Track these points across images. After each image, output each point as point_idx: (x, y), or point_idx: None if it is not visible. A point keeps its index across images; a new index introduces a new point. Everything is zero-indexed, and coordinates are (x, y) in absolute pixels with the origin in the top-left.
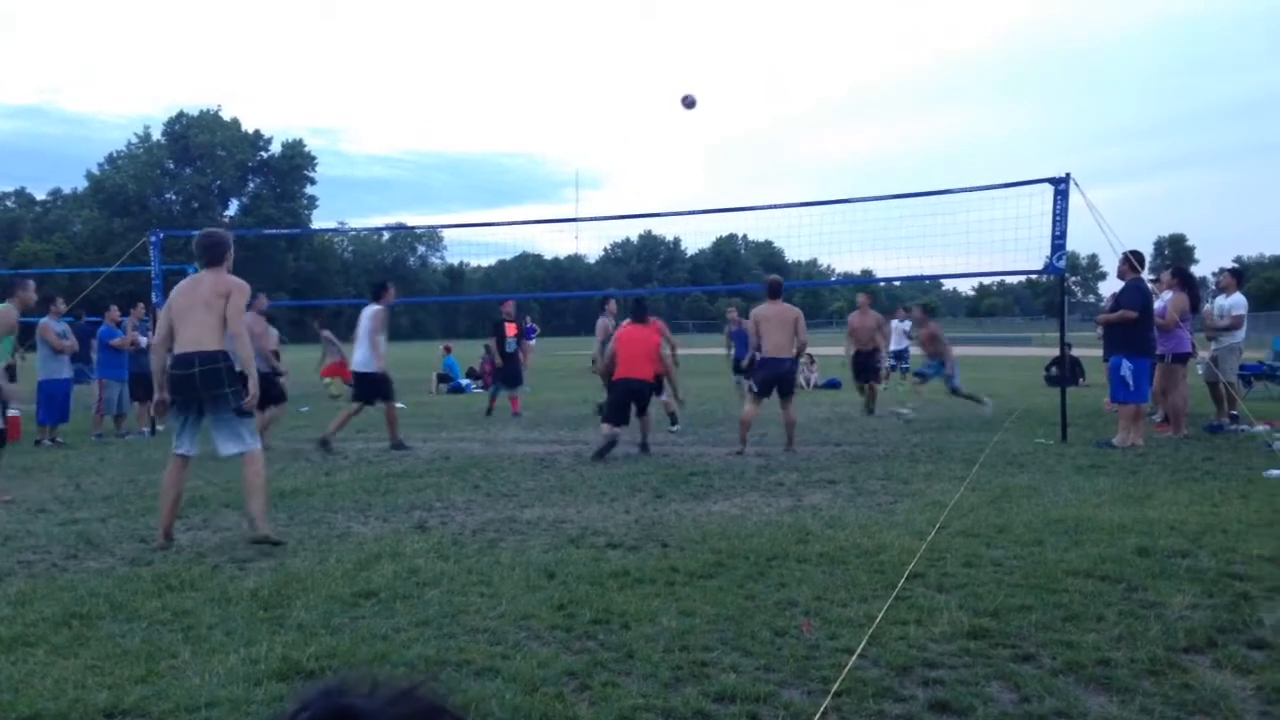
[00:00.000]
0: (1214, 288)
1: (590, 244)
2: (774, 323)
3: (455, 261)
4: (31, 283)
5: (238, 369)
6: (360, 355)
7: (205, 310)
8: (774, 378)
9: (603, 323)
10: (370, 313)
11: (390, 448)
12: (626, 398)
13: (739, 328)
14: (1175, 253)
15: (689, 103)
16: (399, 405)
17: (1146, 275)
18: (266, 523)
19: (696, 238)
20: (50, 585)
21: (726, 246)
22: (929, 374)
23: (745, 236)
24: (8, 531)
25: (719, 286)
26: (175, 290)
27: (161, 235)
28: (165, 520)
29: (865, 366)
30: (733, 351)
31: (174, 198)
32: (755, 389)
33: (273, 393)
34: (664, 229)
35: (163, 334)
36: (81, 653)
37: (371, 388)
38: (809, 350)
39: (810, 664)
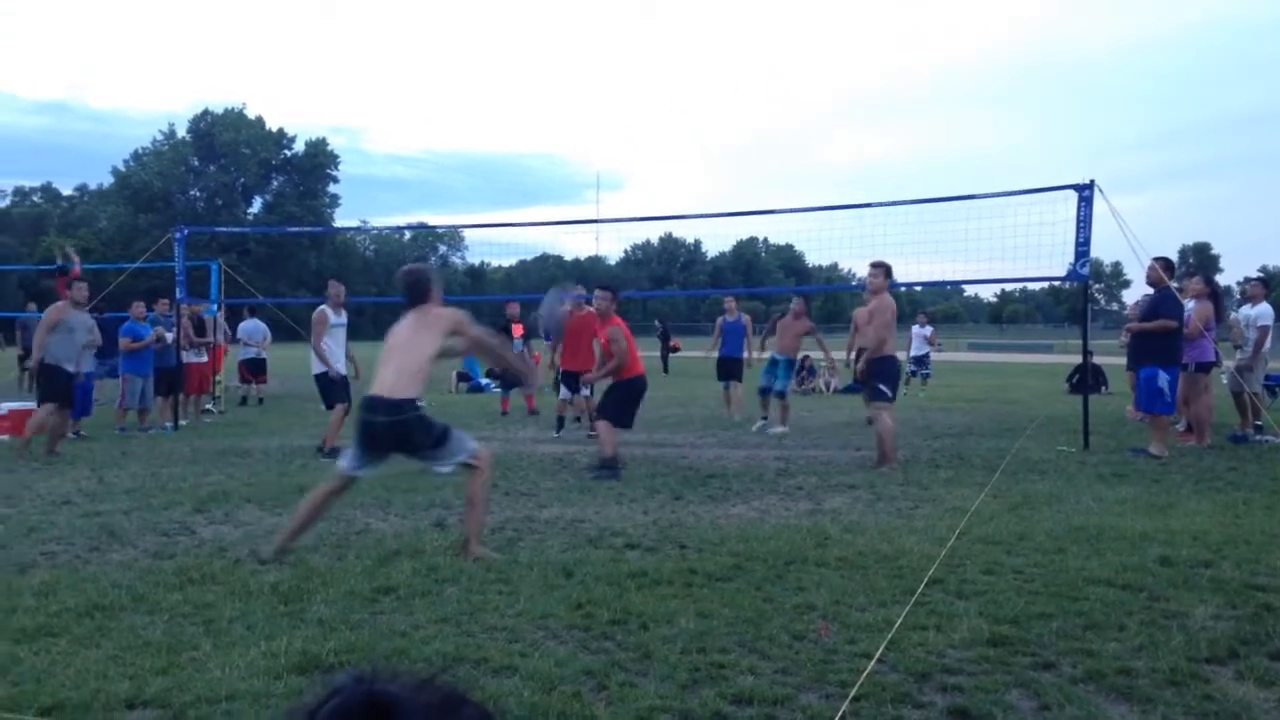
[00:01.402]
0: (1240, 297)
1: (611, 245)
2: (894, 314)
3: (476, 261)
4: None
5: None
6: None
7: (407, 354)
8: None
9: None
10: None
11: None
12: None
13: (737, 320)
14: (1200, 261)
15: None
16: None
17: (1173, 283)
18: (480, 541)
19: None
20: (73, 577)
21: (747, 249)
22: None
23: (766, 240)
24: (32, 523)
25: (739, 289)
26: (390, 334)
27: (186, 231)
28: (297, 526)
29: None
30: (718, 351)
31: (198, 194)
32: (890, 394)
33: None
34: (684, 231)
35: None
36: (103, 644)
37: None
38: (831, 355)
39: (828, 668)
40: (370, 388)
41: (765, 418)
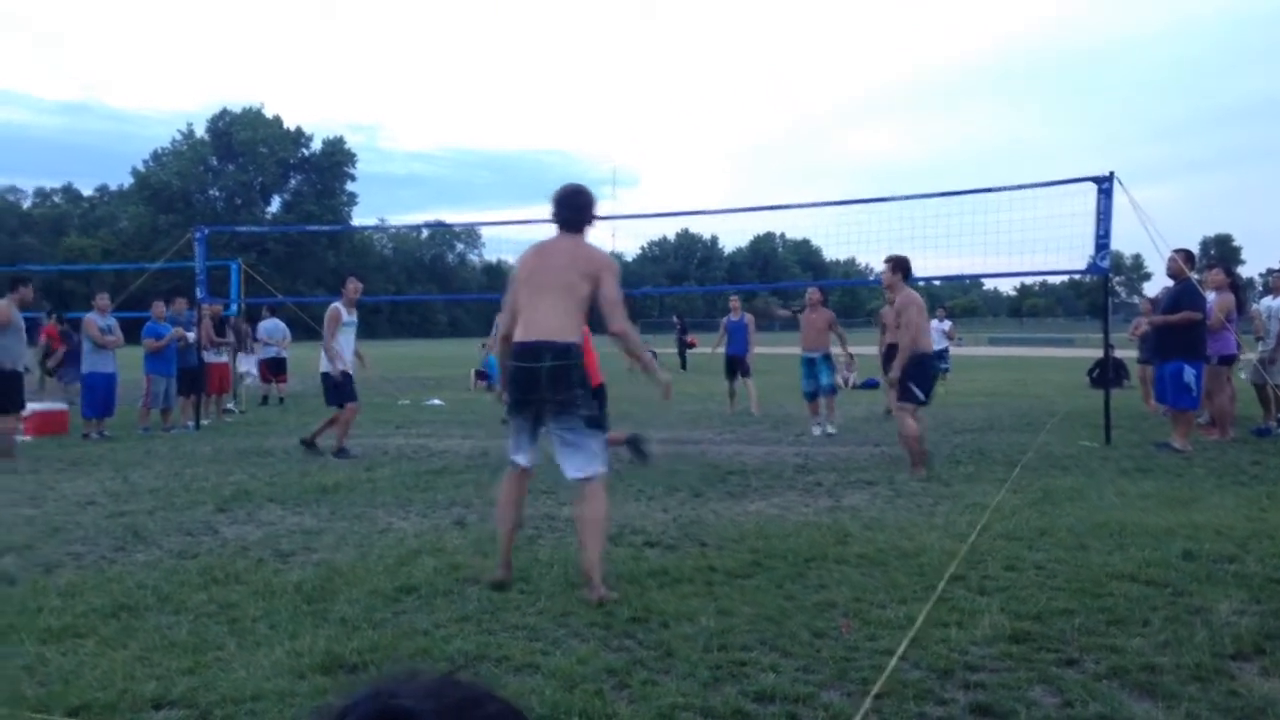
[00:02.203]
0: (1262, 289)
1: (628, 242)
2: (924, 312)
3: (494, 259)
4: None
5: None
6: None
7: (566, 293)
8: (932, 377)
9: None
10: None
11: (334, 452)
12: None
13: (740, 319)
14: (1221, 253)
15: None
16: (436, 402)
17: (1194, 275)
18: (600, 579)
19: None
20: (99, 577)
21: (764, 245)
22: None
23: (783, 235)
24: (57, 524)
25: (756, 285)
26: (525, 260)
27: (206, 231)
28: (504, 547)
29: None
30: (724, 348)
31: (217, 194)
32: (924, 396)
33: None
34: (701, 227)
35: (509, 321)
36: (130, 644)
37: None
38: (849, 349)
39: (850, 665)
40: (521, 334)
41: (819, 422)
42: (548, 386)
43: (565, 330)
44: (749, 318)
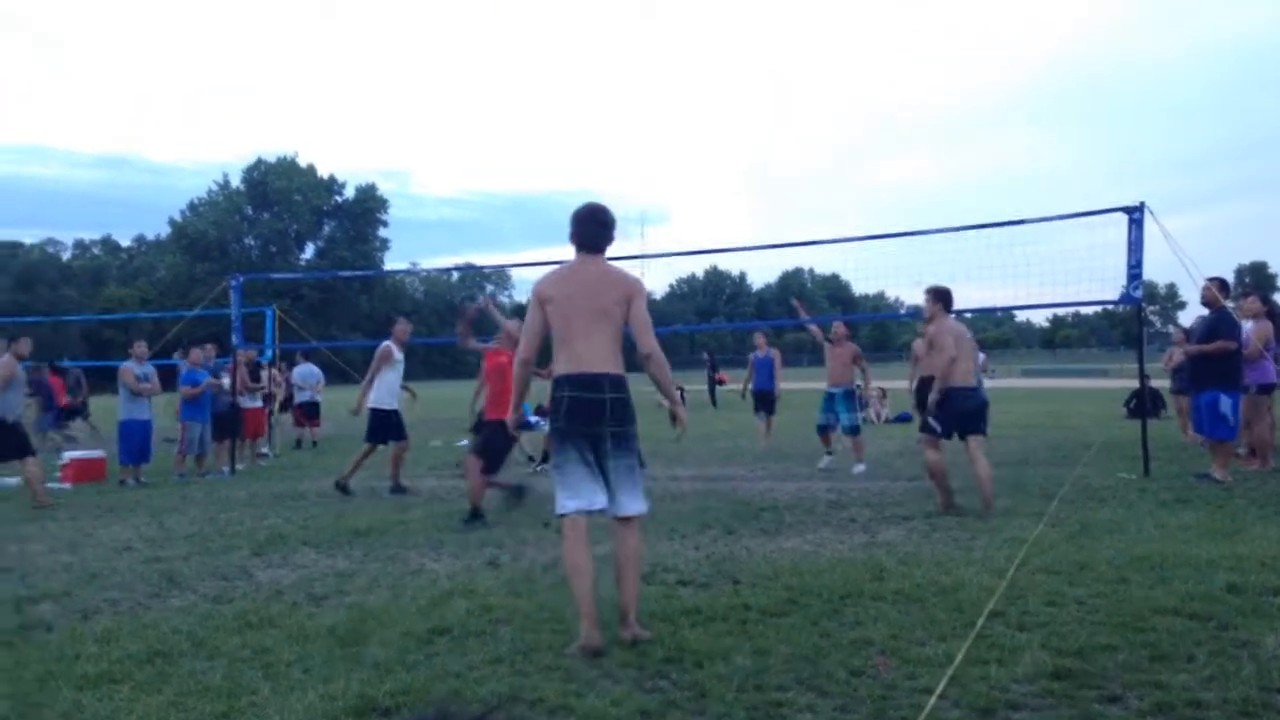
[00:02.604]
0: None
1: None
2: (965, 343)
3: (523, 299)
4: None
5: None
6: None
7: (608, 322)
8: (963, 413)
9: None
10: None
11: (391, 490)
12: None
13: (766, 355)
14: (1257, 280)
15: None
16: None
17: (1228, 303)
18: (635, 617)
19: (762, 273)
20: (134, 623)
21: (793, 280)
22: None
23: (811, 270)
24: (94, 570)
25: (785, 321)
26: (554, 283)
27: (241, 279)
28: (589, 607)
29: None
30: (751, 385)
31: (253, 243)
32: (940, 429)
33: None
34: (730, 264)
35: (535, 342)
36: (164, 689)
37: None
38: (877, 384)
39: (888, 704)
40: (575, 364)
41: (830, 453)
42: (612, 418)
43: (618, 362)
44: (775, 353)
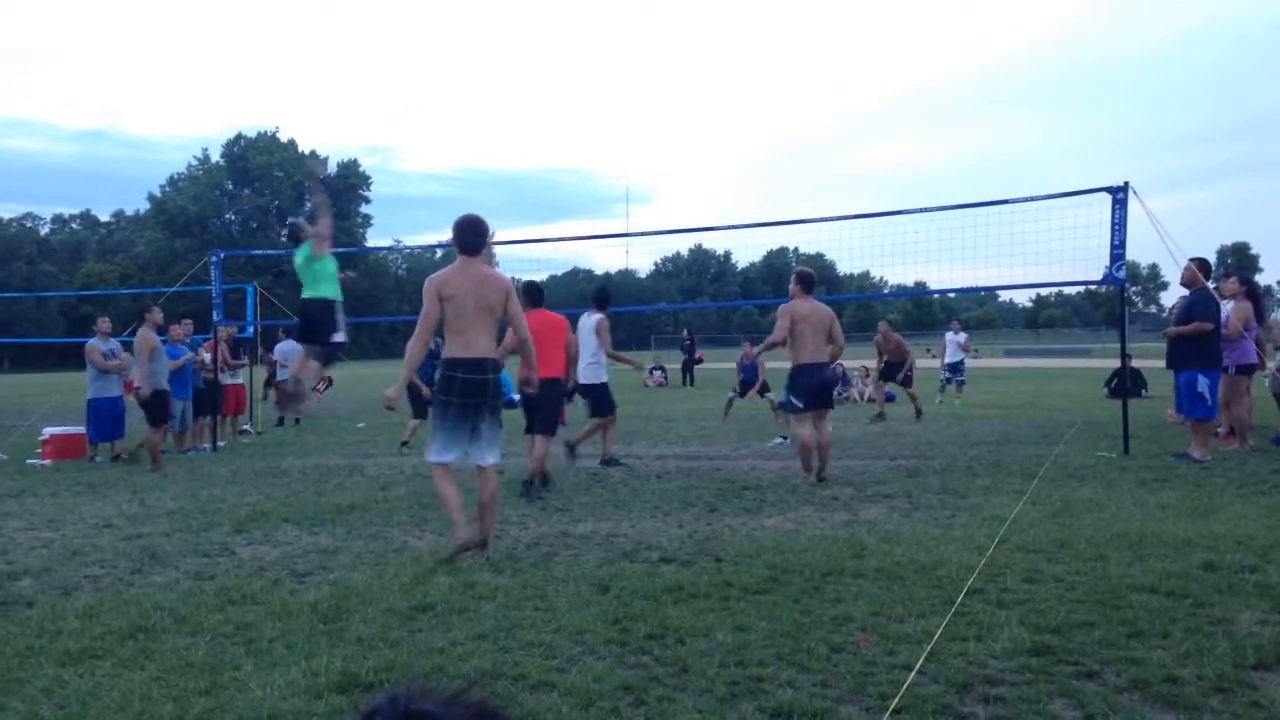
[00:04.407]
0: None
1: (641, 258)
2: (810, 323)
3: (508, 277)
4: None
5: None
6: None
7: (490, 315)
8: (817, 386)
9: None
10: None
11: (601, 462)
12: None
13: (751, 361)
14: (1239, 261)
15: None
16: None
17: (1209, 284)
18: (489, 543)
19: (747, 251)
20: (116, 599)
21: (777, 260)
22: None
23: (796, 249)
24: (75, 547)
25: (770, 300)
26: (449, 282)
27: (222, 255)
28: (459, 514)
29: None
30: (737, 384)
31: (233, 218)
32: (800, 404)
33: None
34: (714, 243)
35: (431, 326)
36: (147, 665)
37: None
38: (863, 363)
39: (868, 680)
40: (466, 350)
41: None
42: (492, 394)
43: (495, 348)
44: (761, 360)
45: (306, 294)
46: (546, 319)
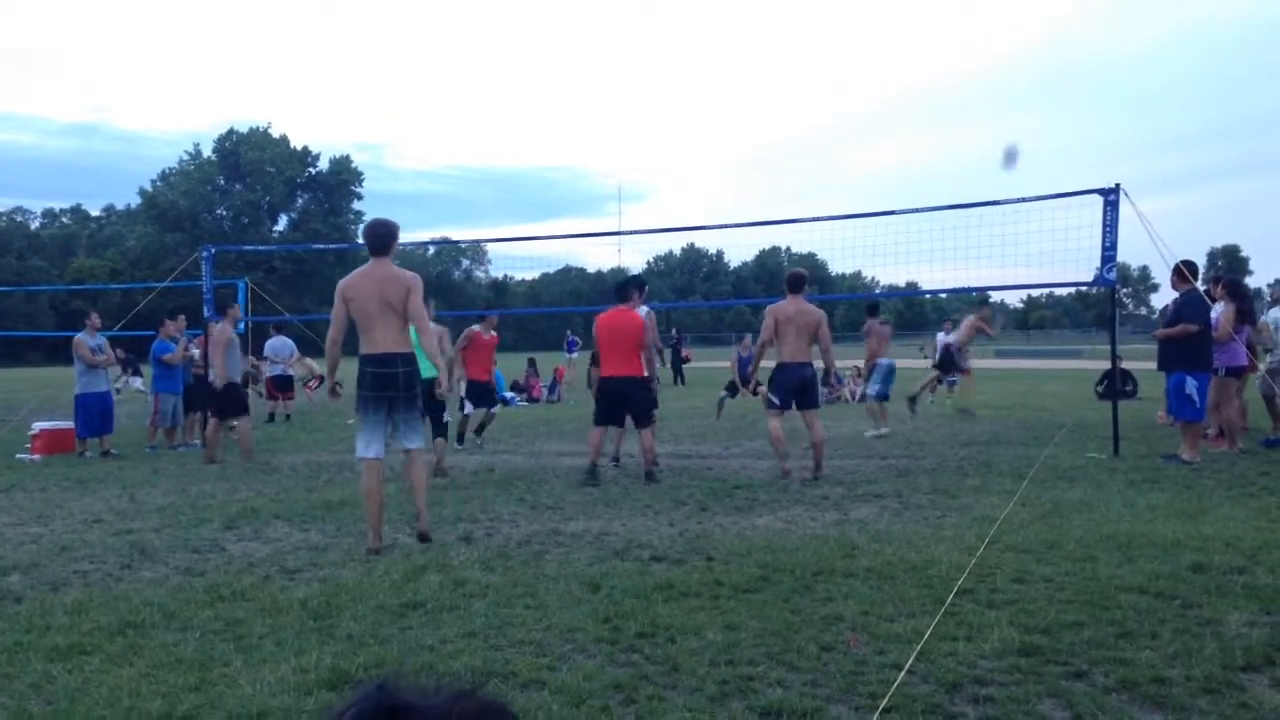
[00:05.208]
0: (1269, 299)
1: (633, 257)
2: (795, 324)
3: (499, 275)
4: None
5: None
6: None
7: (396, 312)
8: (794, 385)
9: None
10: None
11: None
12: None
13: (749, 354)
14: (1229, 264)
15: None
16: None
17: (1199, 286)
18: (423, 520)
19: (739, 250)
20: (105, 595)
21: (770, 259)
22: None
23: (789, 249)
24: (64, 542)
25: (762, 299)
26: (353, 284)
27: (213, 250)
28: (377, 523)
29: None
30: (735, 378)
31: (224, 213)
32: (777, 401)
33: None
34: (707, 242)
35: (338, 325)
36: (136, 661)
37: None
38: (855, 363)
39: (858, 680)
40: (373, 347)
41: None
42: (404, 386)
43: (405, 342)
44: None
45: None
46: (624, 317)
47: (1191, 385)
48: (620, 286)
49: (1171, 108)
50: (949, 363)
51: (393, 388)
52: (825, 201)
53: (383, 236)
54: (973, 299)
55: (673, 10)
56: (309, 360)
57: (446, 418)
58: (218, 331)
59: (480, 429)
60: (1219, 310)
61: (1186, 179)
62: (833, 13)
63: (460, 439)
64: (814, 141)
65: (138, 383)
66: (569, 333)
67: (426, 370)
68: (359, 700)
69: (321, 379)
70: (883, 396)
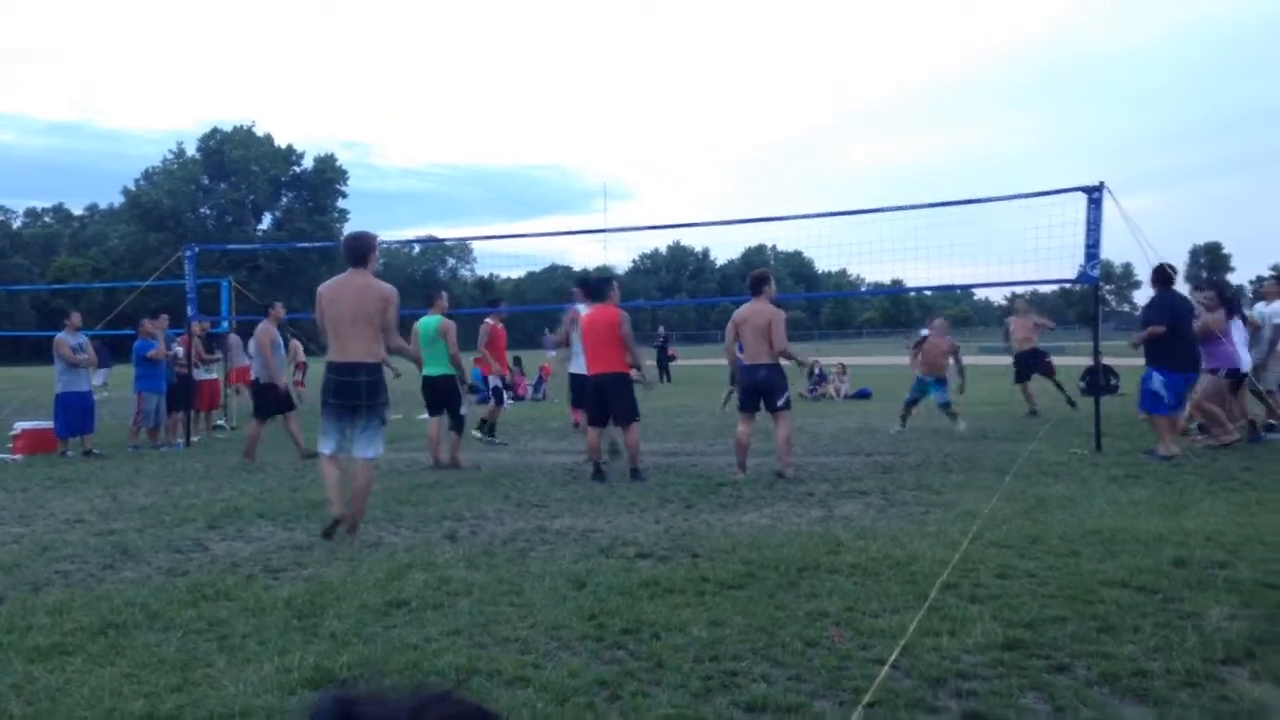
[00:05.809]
0: (1253, 295)
1: (619, 255)
2: (750, 325)
3: (485, 273)
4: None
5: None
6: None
7: (367, 323)
8: (752, 387)
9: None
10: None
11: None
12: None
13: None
14: (1211, 262)
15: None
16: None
17: (1183, 286)
18: (358, 525)
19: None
20: (87, 595)
21: (756, 257)
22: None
23: (774, 247)
24: (46, 542)
25: (747, 297)
26: (330, 292)
27: (196, 250)
28: (338, 498)
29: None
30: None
31: (208, 212)
32: (741, 403)
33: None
34: (693, 240)
35: (322, 329)
36: (118, 661)
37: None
38: (840, 359)
39: (842, 675)
40: (340, 355)
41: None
42: (367, 395)
43: (373, 352)
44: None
45: (431, 371)
46: (603, 314)
47: (1158, 381)
48: (596, 288)
49: (1160, 105)
50: (1032, 366)
51: (355, 396)
52: (820, 200)
53: (357, 249)
54: (1020, 297)
55: (662, 8)
56: (295, 341)
57: (464, 411)
58: (261, 331)
59: (490, 425)
60: (1208, 317)
61: (1171, 176)
62: (828, 10)
63: (492, 430)
64: (807, 139)
65: (99, 377)
66: (547, 331)
67: (441, 369)
68: (315, 711)
69: (307, 366)
70: (945, 404)
